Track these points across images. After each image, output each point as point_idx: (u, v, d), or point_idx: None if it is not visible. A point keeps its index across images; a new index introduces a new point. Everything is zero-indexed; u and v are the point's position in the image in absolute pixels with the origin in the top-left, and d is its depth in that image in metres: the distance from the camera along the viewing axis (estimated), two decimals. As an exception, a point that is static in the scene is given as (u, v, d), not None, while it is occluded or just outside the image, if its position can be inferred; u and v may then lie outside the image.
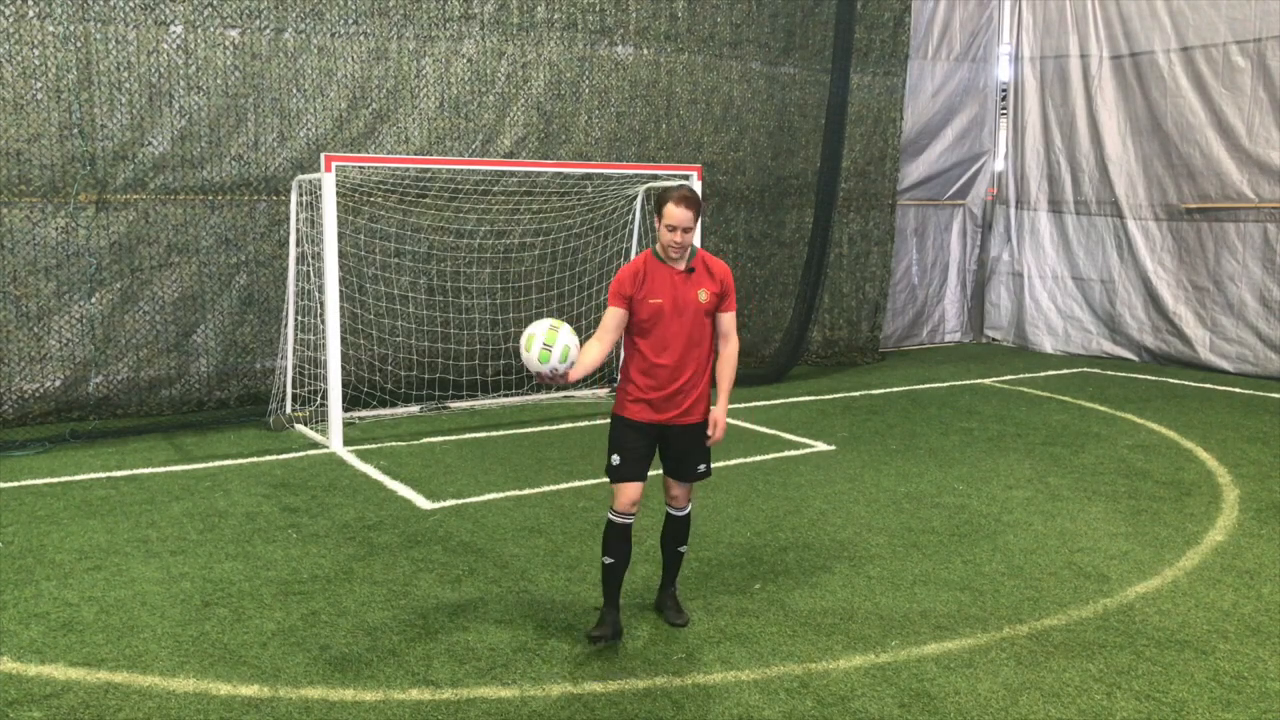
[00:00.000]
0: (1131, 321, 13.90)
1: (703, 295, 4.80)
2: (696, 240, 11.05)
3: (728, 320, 4.96)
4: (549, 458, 8.40)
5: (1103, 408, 10.63)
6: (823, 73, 12.94)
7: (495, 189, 10.89)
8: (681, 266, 4.82)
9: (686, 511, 5.08)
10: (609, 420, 4.99)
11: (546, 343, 4.44)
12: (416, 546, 6.18)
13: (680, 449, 4.94)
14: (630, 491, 4.82)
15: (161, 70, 9.44)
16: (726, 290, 4.93)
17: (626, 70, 11.71)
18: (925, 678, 4.51)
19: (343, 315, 9.40)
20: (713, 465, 8.17)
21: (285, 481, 7.66)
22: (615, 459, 4.85)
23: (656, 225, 4.76)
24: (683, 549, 5.17)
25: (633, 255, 11.45)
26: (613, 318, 4.82)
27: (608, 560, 4.88)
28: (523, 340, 4.53)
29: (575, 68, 11.38)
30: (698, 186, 10.33)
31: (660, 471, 5.07)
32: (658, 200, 4.76)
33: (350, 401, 9.71)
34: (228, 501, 7.11)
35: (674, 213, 4.66)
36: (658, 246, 4.85)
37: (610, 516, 4.88)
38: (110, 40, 9.20)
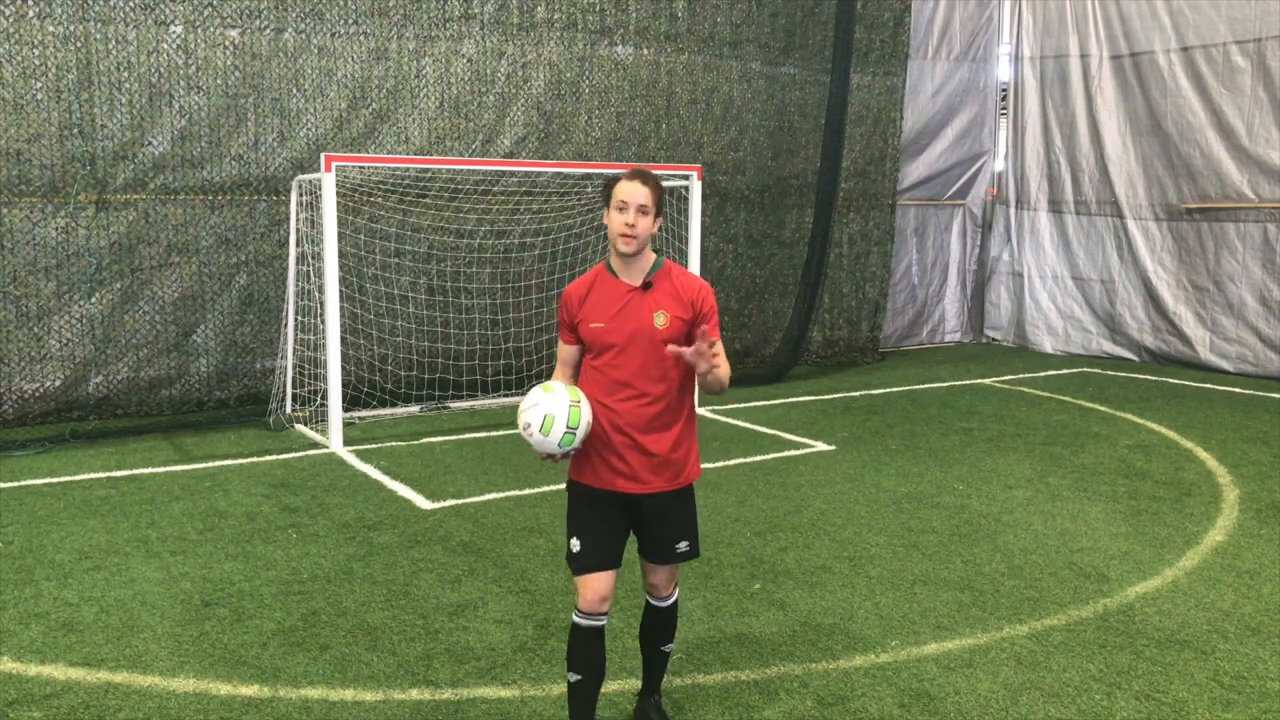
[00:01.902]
0: (1131, 321, 13.90)
1: (660, 319, 3.67)
2: (695, 242, 11.22)
3: (715, 351, 3.73)
4: (549, 458, 8.39)
5: (1103, 408, 10.63)
6: (823, 73, 12.95)
7: (495, 189, 10.89)
8: (637, 280, 3.73)
9: (671, 601, 3.98)
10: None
11: (571, 425, 3.57)
12: (416, 546, 6.18)
13: (653, 522, 3.80)
14: (597, 585, 3.71)
15: (161, 70, 9.44)
16: (702, 316, 3.73)
17: (626, 70, 11.71)
18: (925, 678, 4.51)
19: (343, 315, 9.40)
20: (714, 465, 8.29)
21: (285, 481, 7.66)
22: (575, 544, 3.75)
23: (606, 217, 3.73)
24: (667, 648, 4.07)
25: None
26: (561, 354, 3.90)
27: (574, 677, 3.76)
28: (534, 418, 3.59)
29: (575, 68, 11.38)
30: (697, 187, 10.32)
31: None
32: (606, 185, 3.76)
33: (350, 401, 9.71)
34: (228, 501, 7.11)
35: (625, 187, 3.65)
36: (610, 257, 3.79)
37: (575, 618, 3.76)
38: (110, 40, 9.20)
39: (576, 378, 3.89)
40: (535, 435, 3.60)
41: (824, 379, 12.52)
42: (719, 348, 3.69)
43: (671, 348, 3.60)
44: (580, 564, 3.75)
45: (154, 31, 9.37)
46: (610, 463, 3.72)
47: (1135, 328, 13.86)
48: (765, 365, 12.74)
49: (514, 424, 9.84)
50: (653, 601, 3.99)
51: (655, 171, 11.30)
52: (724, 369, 3.70)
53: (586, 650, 3.75)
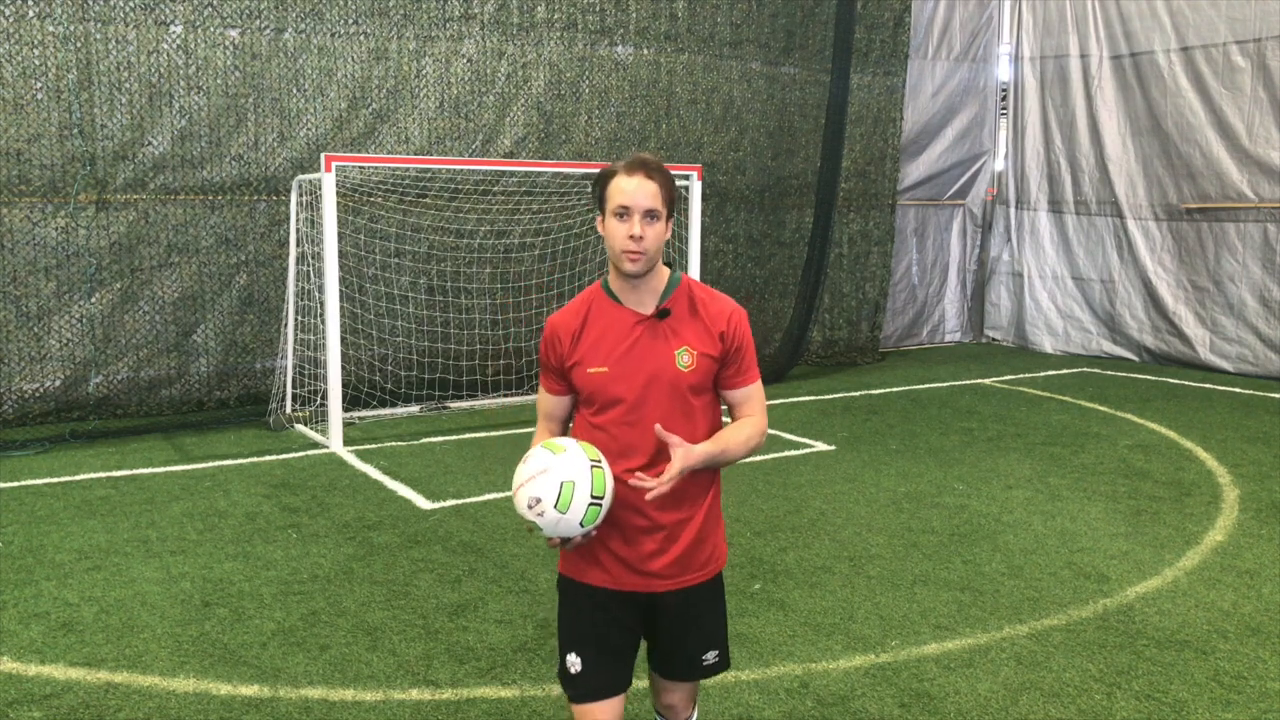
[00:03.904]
0: (1131, 321, 13.90)
1: (684, 359, 2.79)
2: (695, 242, 11.22)
3: (744, 399, 2.91)
4: (549, 458, 8.39)
5: (1103, 408, 10.63)
6: (823, 73, 12.95)
7: (495, 189, 10.89)
8: (649, 306, 2.82)
9: None
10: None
11: (596, 494, 2.68)
12: (416, 546, 6.18)
13: (676, 627, 2.94)
14: (602, 717, 2.87)
15: (161, 70, 9.44)
16: (736, 348, 2.84)
17: (626, 70, 11.72)
18: (925, 678, 4.51)
19: (343, 315, 9.40)
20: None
21: (285, 481, 7.66)
22: (574, 661, 2.88)
23: (600, 227, 2.81)
24: None
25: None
26: (544, 405, 2.99)
27: None
28: (546, 489, 2.65)
29: (575, 68, 11.38)
30: (697, 187, 10.30)
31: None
32: (597, 183, 2.82)
33: (350, 401, 9.71)
34: (228, 501, 7.11)
35: (625, 185, 2.72)
36: (608, 275, 2.87)
37: None
38: (110, 40, 9.20)
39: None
40: (549, 514, 2.66)
41: (824, 379, 12.52)
42: (741, 403, 2.91)
43: (660, 482, 2.70)
44: (580, 689, 2.87)
45: (154, 31, 9.37)
46: (621, 554, 2.83)
47: (1135, 328, 13.86)
48: (765, 365, 12.73)
49: (514, 424, 9.88)
50: None
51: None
52: (746, 436, 2.86)
53: None
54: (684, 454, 2.70)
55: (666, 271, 2.87)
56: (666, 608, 2.90)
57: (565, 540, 2.75)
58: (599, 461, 2.71)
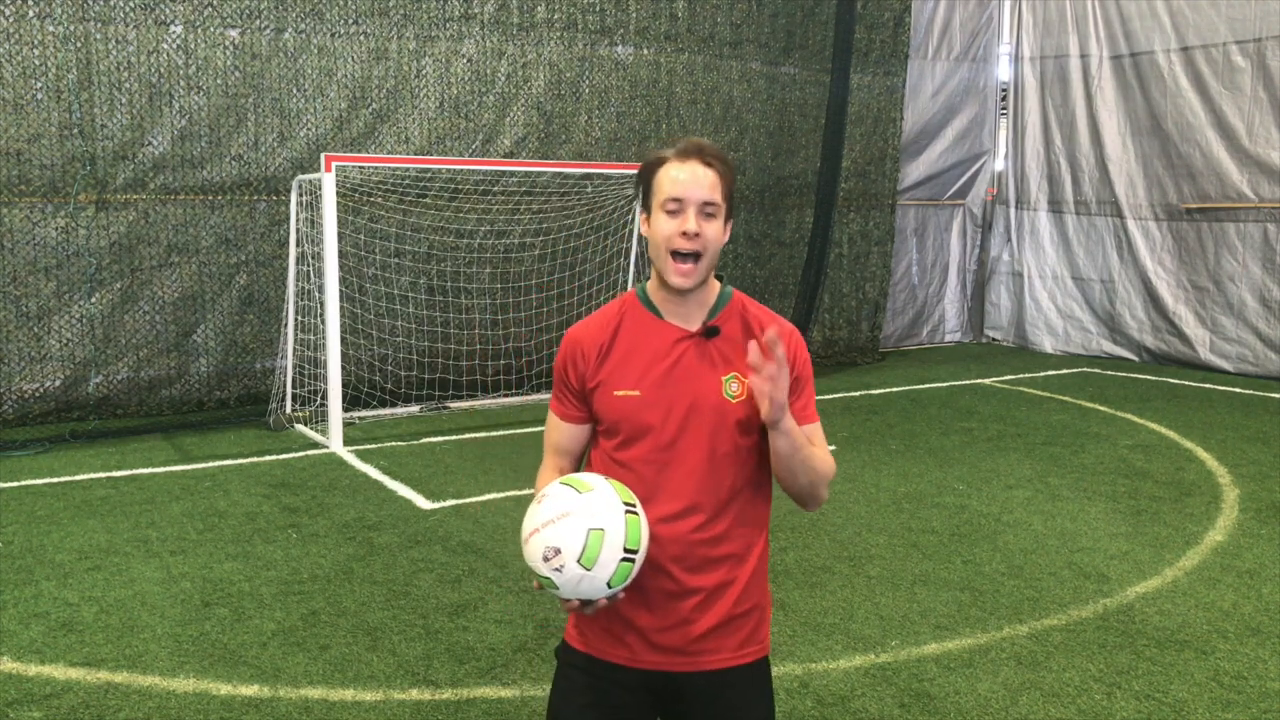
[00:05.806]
0: (1131, 321, 13.90)
1: (732, 387, 2.30)
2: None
3: (807, 436, 2.34)
4: (549, 458, 8.38)
5: (1103, 408, 10.62)
6: (823, 73, 12.95)
7: (495, 189, 10.89)
8: (694, 322, 2.34)
9: None
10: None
11: (630, 546, 2.16)
12: (416, 546, 6.18)
13: None
14: None
15: (161, 70, 9.44)
16: (795, 377, 2.32)
17: (626, 70, 11.72)
18: (925, 678, 4.51)
19: (343, 315, 9.40)
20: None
21: (285, 481, 7.66)
22: None
23: (644, 226, 2.34)
24: None
25: (632, 260, 11.42)
26: (554, 436, 2.49)
27: None
28: (568, 539, 2.13)
29: (575, 68, 11.38)
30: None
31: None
32: (643, 172, 2.34)
33: (350, 401, 9.70)
34: (228, 501, 7.11)
35: (677, 174, 2.25)
36: (648, 283, 2.41)
37: None
38: (110, 40, 9.20)
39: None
40: (570, 569, 2.14)
41: (824, 379, 12.52)
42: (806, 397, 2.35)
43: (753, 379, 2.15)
44: None
45: (154, 31, 9.37)
46: (639, 623, 2.31)
47: (1135, 328, 13.87)
48: (765, 365, 12.73)
49: (514, 424, 9.86)
50: None
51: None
52: (823, 456, 2.33)
53: None
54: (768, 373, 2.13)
55: (717, 285, 2.40)
56: (693, 696, 2.33)
57: (586, 603, 2.20)
58: (634, 506, 2.19)
